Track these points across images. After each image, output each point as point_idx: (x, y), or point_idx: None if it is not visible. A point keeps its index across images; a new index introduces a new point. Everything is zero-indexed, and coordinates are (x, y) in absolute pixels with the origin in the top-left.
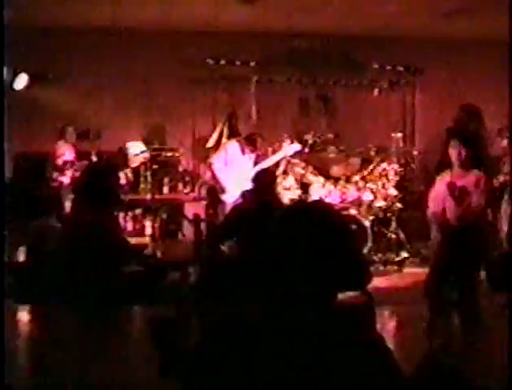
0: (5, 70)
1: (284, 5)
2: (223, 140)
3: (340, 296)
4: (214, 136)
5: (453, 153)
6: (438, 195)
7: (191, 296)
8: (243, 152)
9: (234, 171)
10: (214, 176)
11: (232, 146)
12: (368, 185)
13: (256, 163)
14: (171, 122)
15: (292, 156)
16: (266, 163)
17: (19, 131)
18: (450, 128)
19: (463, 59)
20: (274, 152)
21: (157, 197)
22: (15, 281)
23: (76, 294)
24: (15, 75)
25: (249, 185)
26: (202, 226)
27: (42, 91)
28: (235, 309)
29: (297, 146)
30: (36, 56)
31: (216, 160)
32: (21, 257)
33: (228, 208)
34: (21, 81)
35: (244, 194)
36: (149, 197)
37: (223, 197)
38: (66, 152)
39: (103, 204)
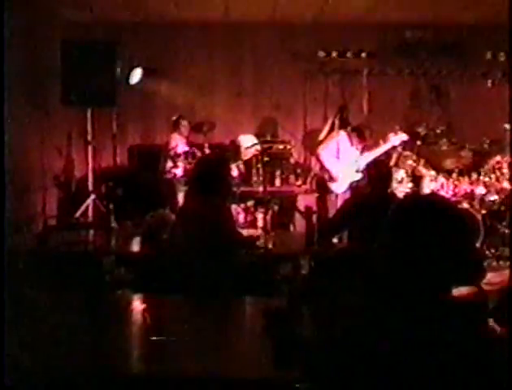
0: (119, 64)
1: None
2: (335, 132)
3: (454, 290)
4: (326, 128)
5: None
6: None
7: (302, 288)
8: (351, 143)
9: (342, 162)
10: (322, 166)
11: (341, 137)
12: (482, 178)
13: (362, 154)
14: (283, 115)
15: (403, 148)
16: (372, 154)
17: (134, 124)
18: None
19: None
20: (385, 144)
21: (269, 189)
22: (131, 271)
23: (189, 284)
24: (130, 69)
25: (357, 176)
26: (314, 218)
27: (156, 85)
28: (346, 302)
29: (403, 136)
30: (150, 51)
31: (324, 150)
32: (136, 247)
33: (338, 199)
34: (136, 76)
35: (354, 186)
36: (261, 189)
37: (332, 186)
38: (179, 144)
39: (216, 195)
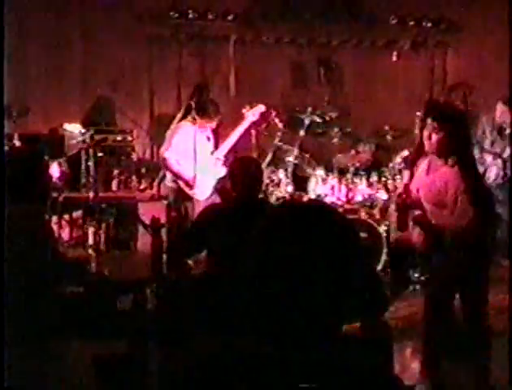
0: None
1: None
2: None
3: (347, 326)
4: (180, 114)
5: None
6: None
7: (148, 326)
8: (200, 131)
9: (195, 161)
10: (173, 173)
11: (184, 128)
12: (384, 180)
13: (216, 144)
14: (122, 96)
15: (281, 141)
16: (228, 142)
17: None
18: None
19: None
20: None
21: (102, 194)
22: None
23: None
24: None
25: (220, 172)
26: (163, 233)
27: None
28: (202, 343)
29: (260, 107)
30: None
31: (168, 152)
32: None
33: (198, 205)
34: None
35: (219, 189)
36: (91, 194)
37: (192, 194)
38: None
39: (28, 203)
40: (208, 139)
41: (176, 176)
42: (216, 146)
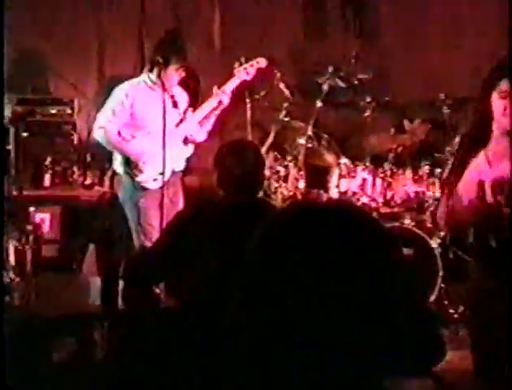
0: None
1: None
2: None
3: (387, 383)
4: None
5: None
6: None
7: (99, 375)
8: (157, 91)
9: (151, 135)
10: (115, 148)
11: (137, 88)
12: (439, 172)
13: (187, 109)
14: (59, 49)
15: (289, 114)
16: (203, 110)
17: None
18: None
19: None
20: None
21: (29, 193)
22: None
23: None
24: None
25: (187, 151)
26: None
27: None
28: None
29: (259, 62)
30: None
31: (111, 120)
32: None
33: (153, 202)
34: None
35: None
36: (15, 193)
37: (141, 181)
38: None
39: None
40: (174, 104)
41: (120, 153)
42: (185, 112)
